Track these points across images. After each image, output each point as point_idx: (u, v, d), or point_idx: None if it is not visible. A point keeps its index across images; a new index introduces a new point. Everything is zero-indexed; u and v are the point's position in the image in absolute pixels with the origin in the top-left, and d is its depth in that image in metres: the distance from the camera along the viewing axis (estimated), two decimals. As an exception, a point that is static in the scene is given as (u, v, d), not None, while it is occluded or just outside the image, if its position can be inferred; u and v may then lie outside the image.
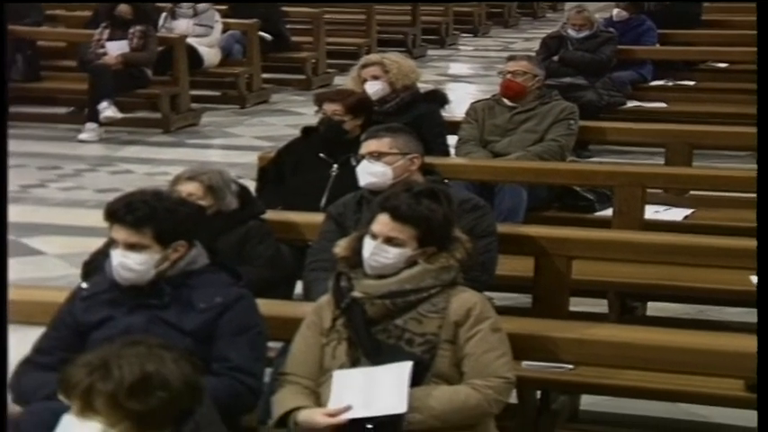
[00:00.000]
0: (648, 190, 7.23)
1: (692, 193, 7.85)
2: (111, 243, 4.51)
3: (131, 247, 4.42)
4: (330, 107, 6.98)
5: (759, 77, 3.36)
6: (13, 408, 4.55)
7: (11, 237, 8.91)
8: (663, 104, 11.78)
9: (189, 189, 5.52)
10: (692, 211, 7.56)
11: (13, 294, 5.40)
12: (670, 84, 12.39)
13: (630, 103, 11.73)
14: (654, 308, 6.84)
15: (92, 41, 12.93)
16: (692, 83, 12.55)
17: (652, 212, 7.33)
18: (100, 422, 3.14)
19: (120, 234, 4.43)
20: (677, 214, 7.54)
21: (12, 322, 5.34)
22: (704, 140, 8.55)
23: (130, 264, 4.42)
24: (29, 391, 4.49)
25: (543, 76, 8.50)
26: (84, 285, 4.72)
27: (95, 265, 5.28)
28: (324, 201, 6.59)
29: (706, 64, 13.14)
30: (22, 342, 4.78)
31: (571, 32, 11.90)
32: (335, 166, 6.80)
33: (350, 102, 7.03)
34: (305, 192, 6.75)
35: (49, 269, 8.19)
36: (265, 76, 15.28)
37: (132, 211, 4.44)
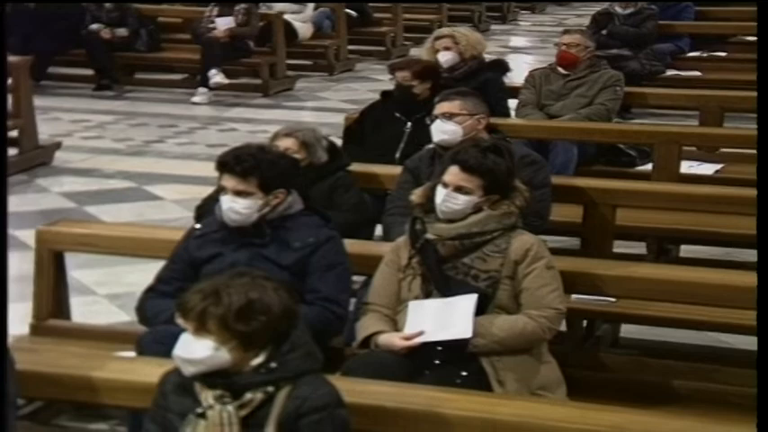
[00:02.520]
0: (684, 147, 7.18)
1: (722, 150, 7.78)
2: (221, 190, 4.53)
3: (239, 193, 4.45)
4: (400, 74, 6.99)
5: (759, 77, 3.23)
6: (139, 328, 4.64)
7: (135, 184, 9.08)
8: (698, 73, 11.65)
9: (286, 144, 5.53)
10: (721, 165, 7.50)
11: (138, 233, 5.51)
12: (704, 55, 12.24)
13: (669, 72, 11.63)
14: (686, 250, 6.79)
15: (203, 18, 12.99)
16: (723, 54, 12.37)
17: (687, 167, 7.27)
18: (212, 341, 3.18)
19: (230, 182, 4.46)
20: (709, 169, 7.49)
21: (137, 256, 5.45)
22: (734, 104, 8.43)
23: (238, 208, 4.45)
24: (151, 315, 4.55)
25: (593, 48, 8.44)
26: (198, 226, 4.75)
27: (206, 209, 5.32)
28: (398, 154, 6.61)
29: (736, 37, 12.93)
30: (146, 273, 4.86)
31: (618, 9, 11.79)
32: (409, 124, 6.80)
33: (416, 69, 7.01)
34: (383, 147, 6.76)
35: (167, 212, 8.25)
36: (350, 47, 15.30)
37: (240, 163, 4.46)
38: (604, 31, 11.58)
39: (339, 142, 6.68)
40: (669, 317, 5.09)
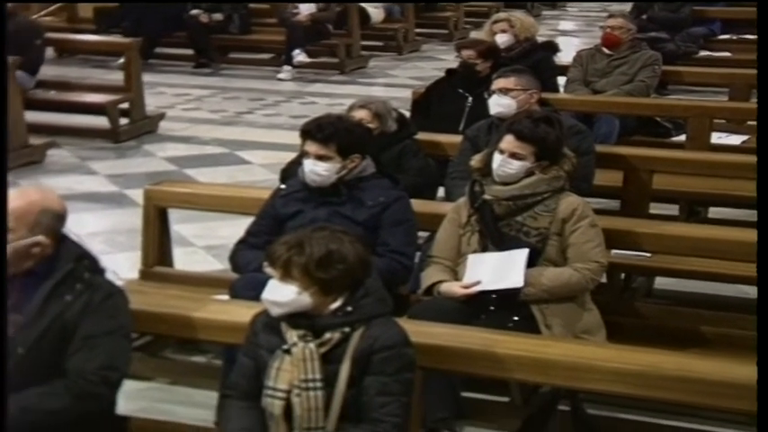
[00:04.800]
0: (714, 120, 7.10)
1: (749, 123, 7.65)
2: (304, 154, 4.54)
3: (320, 157, 4.46)
4: (466, 53, 6.94)
5: (759, 77, 3.15)
6: (232, 275, 4.68)
7: (228, 150, 9.14)
8: (728, 54, 11.44)
9: (361, 115, 5.52)
10: (748, 137, 7.38)
11: (231, 192, 5.56)
12: (734, 37, 12.01)
13: (702, 53, 11.42)
14: (714, 211, 6.71)
15: (288, 4, 13.02)
16: (753, 36, 12.15)
17: (717, 138, 7.19)
18: (295, 286, 3.20)
19: (312, 147, 4.47)
20: (737, 139, 7.39)
21: (230, 213, 5.50)
22: (760, 82, 8.31)
23: (318, 170, 4.46)
24: (242, 264, 4.58)
25: (634, 31, 8.35)
26: (282, 186, 4.77)
27: (290, 172, 5.34)
28: (462, 125, 6.57)
29: (764, 22, 12.69)
30: (237, 227, 4.90)
31: (657, -3, 11.68)
32: (470, 98, 6.74)
33: (480, 48, 6.97)
34: (447, 118, 6.72)
35: (255, 175, 8.28)
36: (417, 30, 15.20)
37: (322, 130, 4.47)
38: (644, 16, 11.46)
39: (407, 114, 6.68)
40: (698, 270, 5.06)
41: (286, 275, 3.20)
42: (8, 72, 7.16)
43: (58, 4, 14.47)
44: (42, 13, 13.97)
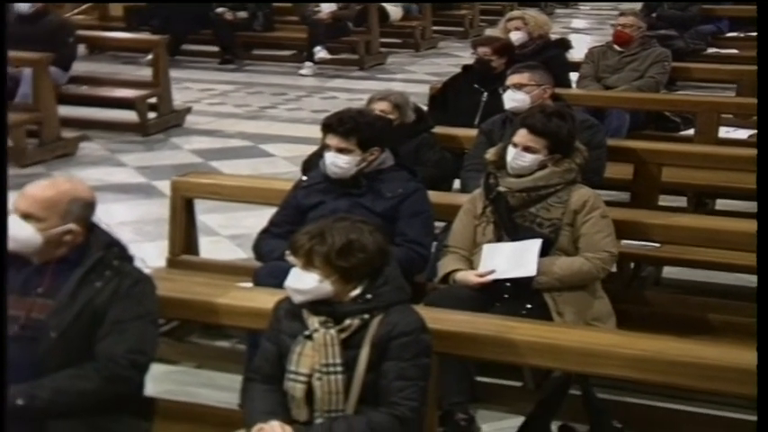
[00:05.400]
0: (722, 115, 7.07)
1: (755, 118, 7.60)
2: (325, 147, 4.54)
3: (340, 150, 4.46)
4: (481, 50, 6.91)
5: (759, 76, 3.12)
6: (255, 263, 4.69)
7: (251, 143, 9.15)
8: (735, 51, 11.38)
9: (381, 106, 5.50)
10: (755, 131, 7.34)
11: (254, 183, 5.56)
12: (741, 35, 11.95)
13: (710, 50, 11.41)
14: (721, 203, 6.68)
15: (310, 2, 13.01)
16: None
17: (724, 132, 7.16)
18: (317, 274, 3.20)
19: (333, 141, 4.47)
20: (743, 134, 7.36)
21: (254, 203, 5.50)
22: (767, 78, 8.26)
23: (339, 162, 4.46)
24: (265, 253, 4.58)
25: (645, 29, 8.33)
26: (304, 178, 4.77)
27: (311, 164, 5.34)
28: (477, 119, 6.55)
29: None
30: (261, 217, 4.90)
31: (666, -5, 11.64)
32: (486, 93, 6.72)
33: (496, 45, 6.94)
34: (463, 113, 6.70)
35: (278, 167, 8.29)
36: (434, 28, 15.20)
37: (343, 124, 4.47)
38: (654, 14, 11.41)
39: (425, 108, 6.67)
40: (705, 260, 5.05)
41: (308, 264, 3.20)
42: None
43: (90, 3, 14.52)
44: (75, 11, 14.01)
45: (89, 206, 3.43)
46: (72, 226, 3.35)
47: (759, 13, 3.13)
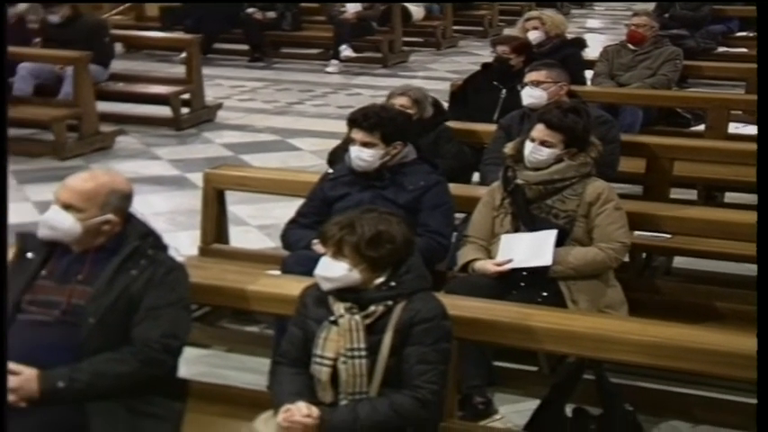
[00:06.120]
0: (731, 111, 7.01)
1: (764, 114, 7.57)
2: (350, 141, 4.55)
3: (365, 144, 4.46)
4: (500, 48, 6.89)
5: (759, 76, 3.08)
6: (283, 252, 4.70)
7: (280, 138, 9.17)
8: (745, 50, 11.30)
9: (401, 101, 5.49)
10: (764, 127, 7.30)
11: (282, 176, 5.57)
12: (751, 35, 11.85)
13: (720, 49, 11.32)
14: (729, 196, 6.64)
15: (336, 2, 13.01)
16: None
17: (733, 128, 7.10)
18: (346, 263, 3.20)
19: (358, 135, 4.47)
20: (752, 129, 7.27)
21: (282, 195, 5.51)
22: (775, 76, 8.20)
23: (364, 156, 4.46)
24: (293, 242, 4.59)
25: (657, 28, 8.31)
26: (330, 171, 4.78)
27: (336, 155, 5.35)
28: (496, 115, 6.53)
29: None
30: (288, 208, 4.91)
31: (678, -4, 11.58)
32: (504, 90, 6.70)
33: (515, 44, 6.92)
34: (482, 109, 6.69)
35: (305, 160, 8.29)
36: (455, 27, 15.16)
37: (367, 119, 4.47)
38: (667, 14, 11.34)
39: (445, 105, 6.66)
40: (714, 251, 5.02)
41: (338, 253, 3.20)
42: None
43: (127, 4, 14.58)
44: (113, 12, 14.07)
45: (126, 198, 3.44)
46: (110, 216, 3.37)
47: (759, 13, 3.10)
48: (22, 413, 3.09)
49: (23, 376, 3.12)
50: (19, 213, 6.81)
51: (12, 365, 3.12)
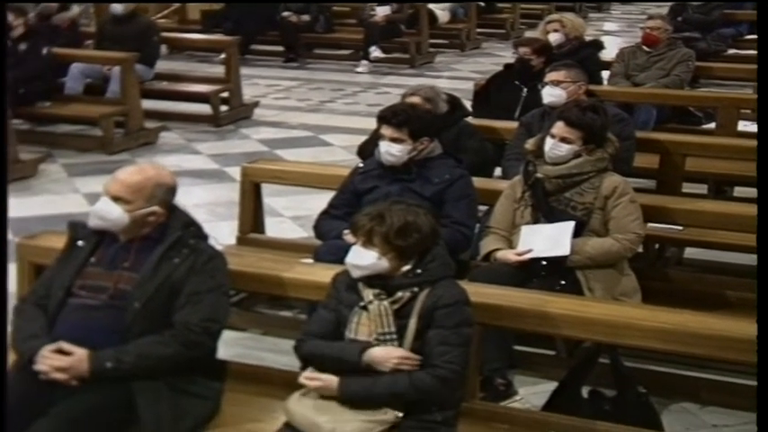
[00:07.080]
0: (741, 110, 6.94)
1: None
2: (379, 137, 4.55)
3: (394, 140, 4.46)
4: (522, 49, 6.88)
5: (759, 76, 3.04)
6: (315, 242, 4.71)
7: (312, 134, 9.18)
8: (754, 52, 11.18)
9: (413, 101, 5.41)
10: (772, 125, 7.23)
11: (315, 170, 5.58)
12: (760, 37, 11.78)
13: (731, 51, 11.22)
14: (739, 191, 6.59)
15: (366, 6, 13.01)
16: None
17: (743, 126, 7.02)
18: (376, 252, 3.20)
19: (387, 131, 4.47)
20: (761, 127, 7.23)
21: (314, 187, 5.51)
22: (784, 76, 8.12)
23: (393, 151, 4.47)
24: (325, 232, 4.60)
25: (671, 31, 8.25)
26: (360, 164, 4.78)
27: (365, 149, 5.34)
28: (517, 113, 6.51)
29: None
30: (321, 200, 4.92)
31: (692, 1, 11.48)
32: (525, 89, 6.68)
33: (536, 46, 6.90)
34: (504, 107, 6.67)
35: (336, 155, 8.30)
36: (479, 30, 15.10)
37: (396, 116, 4.47)
38: (680, 18, 11.26)
39: (469, 104, 6.64)
40: (723, 242, 4.98)
41: (368, 242, 3.20)
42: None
43: (172, 7, 14.66)
44: (158, 15, 14.14)
45: (171, 190, 3.47)
46: (156, 208, 3.39)
47: (759, 14, 3.06)
48: (73, 390, 3.12)
49: (75, 356, 3.15)
50: (69, 204, 6.90)
51: (65, 345, 3.16)
